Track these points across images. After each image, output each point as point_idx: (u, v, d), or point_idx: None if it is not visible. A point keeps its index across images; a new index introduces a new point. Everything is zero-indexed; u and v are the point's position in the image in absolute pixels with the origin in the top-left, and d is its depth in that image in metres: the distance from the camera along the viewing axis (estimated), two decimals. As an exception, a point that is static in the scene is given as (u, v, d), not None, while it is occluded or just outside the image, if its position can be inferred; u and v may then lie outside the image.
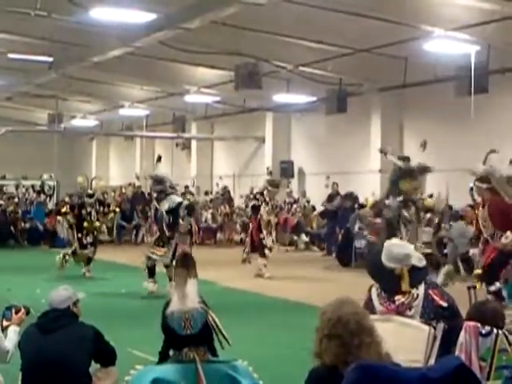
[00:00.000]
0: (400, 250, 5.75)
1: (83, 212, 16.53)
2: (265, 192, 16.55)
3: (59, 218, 17.61)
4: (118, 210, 18.45)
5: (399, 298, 5.58)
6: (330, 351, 3.85)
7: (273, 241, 16.60)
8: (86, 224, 16.38)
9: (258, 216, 16.21)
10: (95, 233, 16.72)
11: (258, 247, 16.17)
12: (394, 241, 6.16)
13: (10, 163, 31.55)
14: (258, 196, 16.66)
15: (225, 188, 27.62)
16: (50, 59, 20.88)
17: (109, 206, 18.40)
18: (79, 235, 16.28)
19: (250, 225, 16.73)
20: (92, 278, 15.46)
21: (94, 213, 16.62)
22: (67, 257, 16.06)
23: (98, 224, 16.92)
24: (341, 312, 3.94)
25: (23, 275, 15.92)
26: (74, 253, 16.22)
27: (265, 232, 16.10)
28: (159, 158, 14.49)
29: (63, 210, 17.27)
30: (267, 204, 16.22)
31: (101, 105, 31.20)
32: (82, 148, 37.96)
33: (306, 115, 25.44)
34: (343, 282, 15.38)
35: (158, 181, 13.66)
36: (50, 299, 6.31)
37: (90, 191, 17.70)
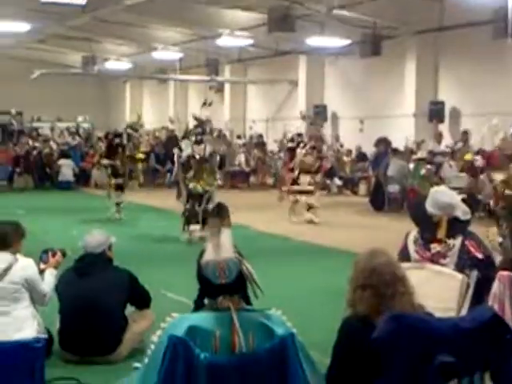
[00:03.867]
0: (444, 198, 5.72)
1: (118, 140, 16.03)
2: (304, 133, 16.30)
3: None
4: (142, 156, 17.36)
5: (435, 247, 5.58)
6: (363, 301, 3.88)
7: (310, 183, 15.81)
8: (123, 156, 15.92)
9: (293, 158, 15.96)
10: (131, 165, 16.43)
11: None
12: (443, 188, 6.13)
13: (44, 106, 31.73)
14: (294, 137, 16.43)
15: (259, 135, 27.54)
16: (83, 2, 20.75)
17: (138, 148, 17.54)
18: (112, 162, 15.87)
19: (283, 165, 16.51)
20: (126, 220, 15.44)
21: (129, 145, 16.10)
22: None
23: (141, 155, 16.62)
24: (375, 262, 3.96)
25: (60, 217, 16.09)
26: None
27: (296, 172, 15.77)
28: (205, 103, 14.18)
29: (99, 135, 16.76)
30: (304, 146, 15.96)
31: (134, 47, 31.09)
32: (115, 91, 38.00)
33: (340, 58, 25.19)
34: (376, 226, 15.38)
35: (200, 123, 13.50)
36: (85, 243, 6.41)
37: (134, 125, 17.06)
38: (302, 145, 15.91)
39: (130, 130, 16.21)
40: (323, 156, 16.46)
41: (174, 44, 29.06)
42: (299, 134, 16.48)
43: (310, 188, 15.70)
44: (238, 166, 25.81)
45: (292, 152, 16.19)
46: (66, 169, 24.05)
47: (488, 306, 4.48)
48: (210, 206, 12.74)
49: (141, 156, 16.85)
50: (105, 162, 16.06)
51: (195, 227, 12.82)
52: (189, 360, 3.73)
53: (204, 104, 13.92)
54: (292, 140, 16.45)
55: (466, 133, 18.83)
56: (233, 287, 4.00)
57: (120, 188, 15.85)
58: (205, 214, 12.74)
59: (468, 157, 16.70)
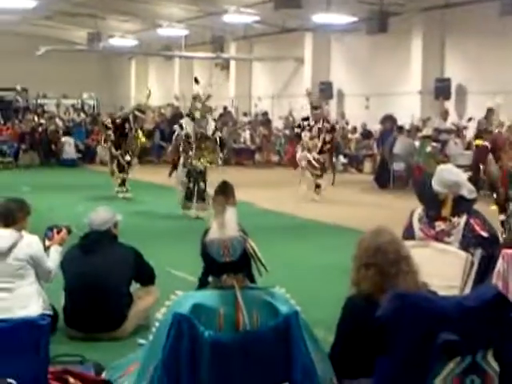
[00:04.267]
0: (451, 176, 5.72)
1: (126, 126, 15.77)
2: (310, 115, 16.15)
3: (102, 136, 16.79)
4: (144, 140, 16.97)
5: (439, 225, 5.59)
6: (367, 280, 3.90)
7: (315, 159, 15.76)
8: (130, 140, 15.74)
9: (300, 142, 15.89)
10: (137, 150, 16.28)
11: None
12: (450, 166, 6.13)
13: (50, 82, 31.66)
14: (301, 123, 16.20)
15: (264, 113, 27.47)
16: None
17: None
18: (119, 152, 15.71)
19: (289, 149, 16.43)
20: (131, 198, 15.48)
21: (137, 128, 15.86)
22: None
23: (143, 139, 16.40)
24: (379, 241, 3.97)
25: (65, 194, 16.09)
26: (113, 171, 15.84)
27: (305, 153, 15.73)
28: (196, 80, 14.27)
29: (106, 122, 16.45)
30: (310, 130, 15.80)
31: (139, 24, 30.97)
32: (121, 68, 37.89)
33: (346, 35, 25.06)
34: (381, 204, 15.38)
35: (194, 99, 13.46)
36: (90, 221, 6.43)
37: (141, 106, 16.73)
38: (307, 128, 15.81)
39: (137, 112, 15.98)
40: (332, 139, 16.28)
41: (179, 21, 28.93)
42: (305, 119, 16.18)
43: (316, 164, 15.67)
44: (244, 144, 25.80)
45: (298, 138, 16.13)
46: (69, 146, 24.04)
47: (492, 285, 4.49)
48: (202, 185, 12.91)
49: (143, 141, 16.66)
50: (114, 152, 15.76)
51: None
52: (193, 337, 3.74)
53: (196, 81, 13.94)
54: (299, 126, 16.24)
55: (490, 110, 18.42)
56: (237, 265, 4.00)
57: (124, 181, 15.82)
58: (199, 193, 12.87)
59: (478, 142, 16.43)
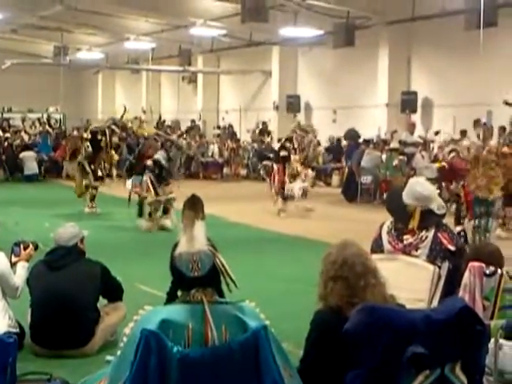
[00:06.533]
0: (421, 189, 5.76)
1: (103, 139, 15.59)
2: (294, 136, 15.84)
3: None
4: (116, 157, 16.85)
5: (407, 238, 5.62)
6: (335, 293, 3.89)
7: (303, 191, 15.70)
8: (103, 155, 15.62)
9: (286, 165, 15.58)
10: (109, 166, 16.02)
11: (280, 192, 15.59)
12: (421, 180, 6.17)
13: (16, 96, 31.43)
14: (287, 144, 15.75)
15: (229, 125, 27.52)
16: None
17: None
18: (93, 167, 15.49)
19: (276, 171, 15.72)
20: (99, 213, 15.35)
21: (110, 143, 15.71)
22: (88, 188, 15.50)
23: (116, 157, 16.37)
24: (346, 254, 3.97)
25: (31, 209, 15.92)
26: (86, 186, 15.54)
27: (290, 179, 15.63)
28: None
29: (85, 135, 16.28)
30: (296, 152, 15.59)
31: (106, 37, 30.92)
32: (87, 81, 37.76)
33: (313, 49, 25.21)
34: (348, 217, 15.45)
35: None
36: (57, 236, 6.37)
37: (117, 121, 16.55)
38: (293, 151, 15.63)
39: (114, 127, 15.86)
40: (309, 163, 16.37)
41: (147, 34, 28.92)
42: (289, 139, 15.89)
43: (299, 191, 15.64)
44: (212, 157, 25.78)
45: (284, 160, 15.68)
46: (30, 161, 23.77)
47: (459, 297, 4.52)
48: None
49: (116, 158, 16.55)
50: (87, 167, 15.52)
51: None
52: (161, 353, 3.72)
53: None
54: (283, 147, 15.77)
55: (477, 122, 18.48)
56: (206, 280, 3.99)
57: (94, 197, 15.66)
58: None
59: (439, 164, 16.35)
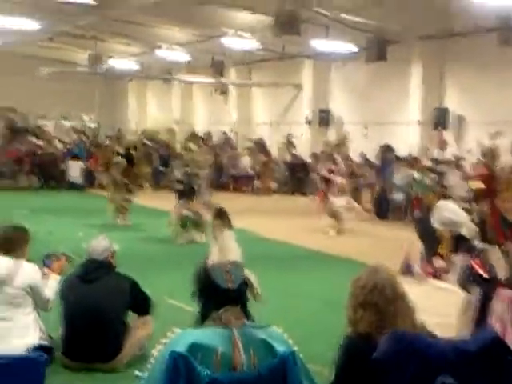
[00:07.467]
0: (450, 214, 5.75)
1: (134, 154, 15.94)
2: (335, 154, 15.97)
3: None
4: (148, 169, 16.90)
5: (438, 262, 5.60)
6: (364, 319, 3.85)
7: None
8: (136, 168, 15.87)
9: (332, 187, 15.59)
10: (140, 179, 16.31)
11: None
12: (450, 204, 6.15)
13: (50, 104, 31.65)
14: (332, 168, 15.77)
15: (259, 139, 27.57)
16: (94, 2, 20.75)
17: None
18: (126, 180, 15.61)
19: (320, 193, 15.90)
20: (130, 225, 15.34)
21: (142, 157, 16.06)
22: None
23: (148, 170, 16.47)
24: (376, 279, 3.93)
25: (64, 218, 16.03)
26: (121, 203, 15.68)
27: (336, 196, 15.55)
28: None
29: (118, 149, 16.38)
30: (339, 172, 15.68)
31: (140, 47, 31.10)
32: (121, 90, 37.97)
33: (346, 63, 25.16)
34: (380, 235, 15.37)
35: None
36: (90, 249, 6.44)
37: (151, 135, 16.59)
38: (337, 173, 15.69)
39: (146, 141, 15.99)
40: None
41: (180, 44, 29.07)
42: (334, 161, 15.98)
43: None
44: (243, 170, 25.79)
45: (328, 182, 15.70)
46: (75, 170, 24.06)
47: (489, 328, 4.48)
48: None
49: (147, 171, 16.69)
50: (119, 179, 15.62)
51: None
52: (190, 376, 3.73)
53: None
54: (330, 171, 15.77)
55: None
56: (237, 294, 3.98)
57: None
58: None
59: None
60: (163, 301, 7.98)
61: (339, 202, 15.49)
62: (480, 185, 10.82)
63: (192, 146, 15.97)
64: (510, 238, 9.90)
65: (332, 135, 25.72)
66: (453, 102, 21.87)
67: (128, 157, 15.85)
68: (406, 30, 21.58)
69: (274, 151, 26.84)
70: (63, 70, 30.80)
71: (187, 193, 13.70)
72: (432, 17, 20.31)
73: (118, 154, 15.91)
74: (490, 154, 10.50)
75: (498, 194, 10.26)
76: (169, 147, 25.42)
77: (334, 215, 15.47)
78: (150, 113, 37.17)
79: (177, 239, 13.28)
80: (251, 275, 4.19)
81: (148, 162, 16.75)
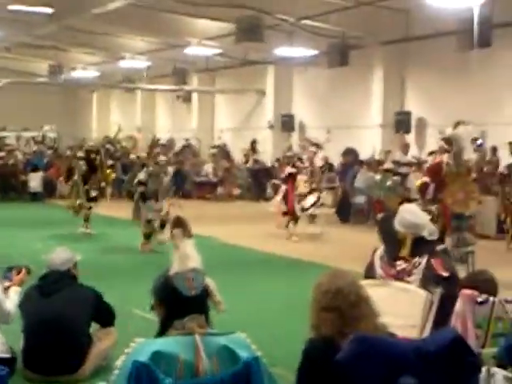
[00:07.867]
0: (411, 217, 5.77)
1: (98, 158, 15.48)
2: (306, 155, 15.74)
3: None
4: (113, 175, 16.61)
5: (400, 264, 5.63)
6: (327, 323, 3.84)
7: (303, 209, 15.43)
8: (98, 174, 15.46)
9: (295, 184, 15.34)
10: (104, 184, 15.83)
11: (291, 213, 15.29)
12: (412, 207, 6.18)
13: (10, 115, 31.37)
14: (295, 163, 15.56)
15: (223, 145, 27.55)
16: (50, 11, 20.62)
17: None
18: (87, 187, 15.28)
19: (285, 190, 15.49)
20: (92, 234, 15.16)
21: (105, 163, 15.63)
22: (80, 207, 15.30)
23: (113, 175, 16.22)
24: (339, 283, 3.91)
25: (24, 229, 15.83)
26: (79, 205, 15.34)
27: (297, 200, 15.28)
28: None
29: (79, 154, 16.14)
30: (303, 172, 15.44)
31: (101, 56, 30.97)
32: (82, 100, 37.76)
33: (308, 68, 25.26)
34: (341, 238, 15.42)
35: None
36: (49, 261, 6.36)
37: (111, 139, 16.32)
38: (302, 170, 15.47)
39: (108, 145, 15.74)
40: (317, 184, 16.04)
41: (142, 53, 29.00)
42: (299, 158, 15.78)
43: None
44: (205, 177, 25.75)
45: (293, 178, 15.47)
46: (36, 181, 23.83)
47: (451, 328, 4.50)
48: None
49: (112, 176, 16.45)
50: (81, 186, 15.33)
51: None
52: (153, 385, 3.71)
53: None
54: (294, 166, 15.61)
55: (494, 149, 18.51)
56: (199, 300, 3.97)
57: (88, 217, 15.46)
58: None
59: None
60: (128, 311, 7.93)
61: (309, 200, 15.40)
62: (424, 179, 10.85)
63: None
64: (457, 230, 9.96)
65: (295, 140, 25.78)
66: (414, 106, 22.07)
67: (89, 161, 15.45)
68: (367, 36, 21.75)
69: (238, 157, 26.85)
70: (21, 81, 30.54)
71: (151, 194, 13.52)
72: (393, 22, 20.48)
73: (79, 158, 15.61)
74: (450, 141, 10.52)
75: (446, 187, 10.32)
76: (129, 155, 25.31)
77: (310, 217, 15.42)
78: (113, 122, 36.94)
79: (142, 248, 13.22)
80: (211, 283, 4.16)
81: (112, 168, 16.42)
